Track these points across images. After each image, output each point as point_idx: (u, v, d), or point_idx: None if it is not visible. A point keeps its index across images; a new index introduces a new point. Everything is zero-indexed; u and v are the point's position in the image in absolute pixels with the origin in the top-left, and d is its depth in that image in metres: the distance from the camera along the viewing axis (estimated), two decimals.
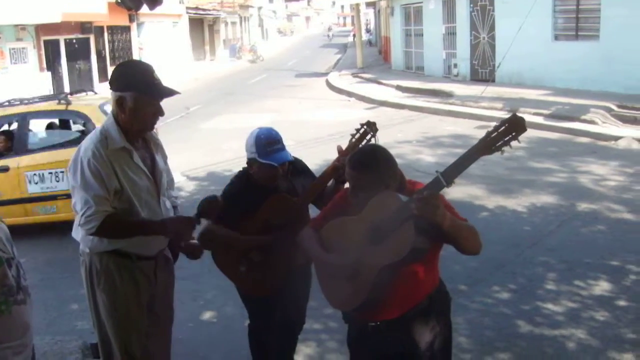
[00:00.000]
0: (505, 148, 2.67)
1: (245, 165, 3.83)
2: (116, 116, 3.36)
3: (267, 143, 3.67)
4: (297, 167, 3.98)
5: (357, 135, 3.76)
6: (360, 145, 3.67)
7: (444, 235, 2.85)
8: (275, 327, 4.01)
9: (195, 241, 3.73)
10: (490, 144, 2.67)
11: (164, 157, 3.70)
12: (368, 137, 3.75)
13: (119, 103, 3.31)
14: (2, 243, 2.70)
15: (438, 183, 2.72)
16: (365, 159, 3.00)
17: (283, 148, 3.73)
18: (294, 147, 9.75)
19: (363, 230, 2.98)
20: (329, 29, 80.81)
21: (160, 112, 3.40)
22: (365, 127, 3.77)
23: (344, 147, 3.73)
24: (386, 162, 3.01)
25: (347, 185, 3.31)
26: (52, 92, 18.25)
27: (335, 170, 3.69)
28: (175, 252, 3.80)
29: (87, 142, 3.36)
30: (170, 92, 3.38)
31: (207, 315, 5.79)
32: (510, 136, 2.64)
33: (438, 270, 3.22)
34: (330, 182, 3.78)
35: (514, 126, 2.63)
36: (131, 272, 3.46)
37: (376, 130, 3.77)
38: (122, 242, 3.38)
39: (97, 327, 3.59)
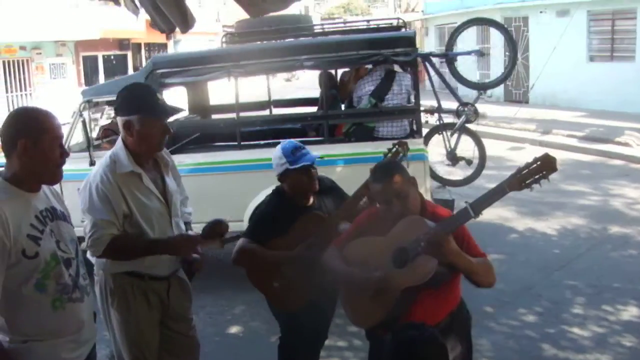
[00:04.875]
0: (535, 185, 2.73)
1: (279, 183, 3.91)
2: (125, 140, 3.45)
3: (294, 150, 3.77)
4: (326, 185, 4.03)
5: (390, 155, 3.84)
6: None
7: (458, 268, 2.93)
8: (304, 342, 4.07)
9: (196, 255, 3.75)
10: (520, 180, 2.72)
11: (177, 177, 3.77)
12: (399, 156, 3.83)
13: (126, 127, 3.40)
14: (65, 244, 2.84)
15: (466, 214, 2.80)
16: (385, 169, 3.12)
17: (309, 152, 3.81)
18: None
19: (388, 251, 3.05)
20: None
21: (167, 131, 3.50)
22: (397, 147, 3.87)
23: None
24: (402, 166, 3.15)
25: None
26: None
27: (368, 189, 3.75)
28: (190, 273, 3.87)
29: (97, 167, 3.47)
30: (174, 111, 3.50)
31: (234, 329, 5.86)
32: (541, 174, 2.69)
33: (460, 289, 3.27)
34: (364, 201, 3.84)
35: (545, 165, 2.69)
36: (144, 292, 3.54)
37: (408, 150, 3.86)
38: (134, 263, 3.46)
39: (113, 342, 3.70)
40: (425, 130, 6.97)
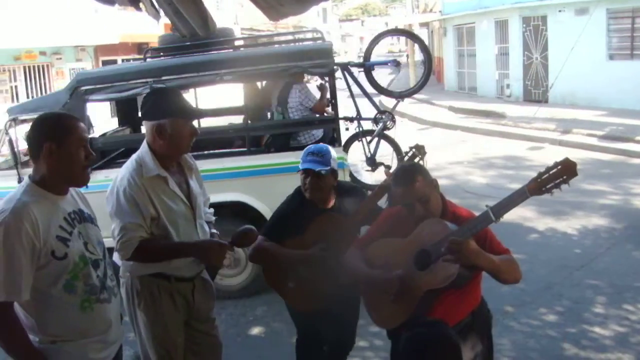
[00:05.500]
0: (555, 190, 2.76)
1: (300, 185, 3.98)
2: (151, 144, 3.49)
3: (309, 153, 3.85)
4: (350, 189, 4.08)
5: (406, 158, 3.87)
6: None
7: (481, 269, 2.96)
8: (322, 344, 4.10)
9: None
10: (541, 185, 2.76)
11: (199, 180, 3.81)
12: (416, 160, 3.85)
13: (158, 131, 3.43)
14: (93, 246, 2.91)
15: (487, 218, 2.83)
16: (406, 173, 3.15)
17: (322, 161, 3.83)
18: None
19: (409, 253, 3.09)
20: (360, 50, 63.36)
21: (195, 133, 3.55)
22: (414, 150, 3.88)
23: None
24: (424, 170, 3.17)
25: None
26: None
27: (383, 191, 3.79)
28: (212, 273, 3.92)
29: (123, 171, 3.50)
30: (200, 113, 3.53)
31: (256, 330, 5.92)
32: (561, 179, 2.73)
33: (480, 289, 3.30)
34: (386, 203, 3.88)
35: (566, 170, 2.73)
36: (170, 293, 3.59)
37: (424, 153, 3.88)
38: (161, 265, 3.51)
39: (139, 343, 3.76)
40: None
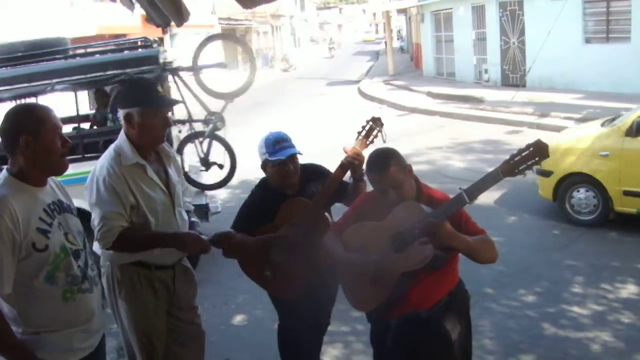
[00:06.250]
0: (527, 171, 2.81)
1: (264, 176, 3.96)
2: (127, 133, 3.52)
3: (275, 142, 3.80)
4: (315, 171, 4.07)
5: (364, 132, 3.82)
6: (368, 142, 3.78)
7: (456, 250, 3.01)
8: (303, 328, 4.13)
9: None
10: (513, 166, 2.81)
11: (178, 169, 3.84)
12: (375, 132, 3.82)
13: (127, 120, 3.48)
14: (73, 236, 2.92)
15: (461, 200, 2.87)
16: (380, 159, 3.15)
17: (291, 145, 3.83)
18: (325, 154, 9.87)
19: (386, 236, 3.12)
20: (331, 42, 60.78)
21: (167, 123, 3.58)
22: (370, 123, 3.83)
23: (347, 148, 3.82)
24: (398, 155, 3.18)
25: (368, 186, 3.46)
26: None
27: (343, 169, 3.78)
28: (194, 261, 3.94)
29: (102, 160, 3.53)
30: (172, 102, 3.56)
31: (238, 318, 5.96)
32: (533, 161, 2.78)
33: (457, 270, 3.35)
34: (350, 179, 3.88)
35: (538, 151, 2.78)
36: (150, 281, 3.62)
37: (382, 125, 3.83)
38: (141, 253, 3.54)
39: (121, 333, 3.79)
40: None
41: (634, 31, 16.12)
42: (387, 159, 3.14)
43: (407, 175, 3.17)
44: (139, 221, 3.48)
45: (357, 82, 29.07)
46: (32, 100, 6.53)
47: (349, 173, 3.83)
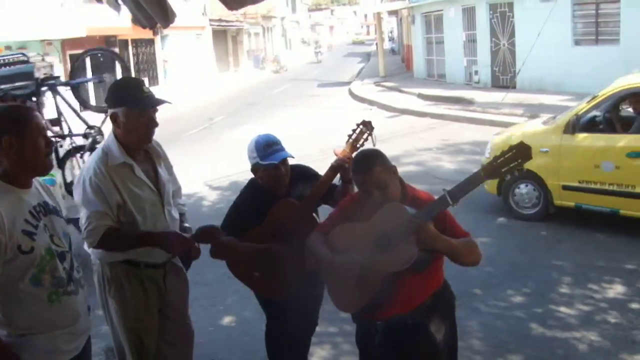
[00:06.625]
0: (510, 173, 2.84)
1: (253, 176, 3.96)
2: (115, 132, 3.54)
3: (266, 145, 3.80)
4: (303, 173, 4.07)
5: (354, 136, 3.85)
6: (358, 146, 3.80)
7: (440, 252, 3.03)
8: (291, 329, 4.13)
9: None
10: (496, 168, 2.83)
11: (168, 168, 3.84)
12: (365, 136, 3.84)
13: (113, 119, 3.49)
14: (59, 238, 2.92)
15: (444, 201, 2.89)
16: (366, 160, 3.17)
17: (282, 149, 3.83)
18: (316, 156, 9.91)
19: (370, 237, 3.13)
20: (317, 46, 57.78)
21: (153, 123, 3.56)
22: (361, 127, 3.87)
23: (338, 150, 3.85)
24: (383, 156, 3.19)
25: (355, 189, 3.48)
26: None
27: (334, 172, 3.80)
28: (187, 262, 3.94)
29: (90, 160, 3.56)
30: (158, 102, 3.55)
31: (227, 319, 5.97)
32: (516, 163, 2.80)
33: (442, 271, 3.36)
34: (339, 182, 3.90)
35: (521, 153, 2.80)
36: (140, 279, 3.63)
37: (372, 128, 3.86)
38: (130, 251, 3.54)
39: (111, 331, 3.78)
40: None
41: (623, 33, 16.21)
42: (371, 159, 3.15)
43: (393, 176, 3.19)
44: (126, 220, 3.48)
45: (348, 83, 29.10)
46: None
47: (338, 175, 3.86)
